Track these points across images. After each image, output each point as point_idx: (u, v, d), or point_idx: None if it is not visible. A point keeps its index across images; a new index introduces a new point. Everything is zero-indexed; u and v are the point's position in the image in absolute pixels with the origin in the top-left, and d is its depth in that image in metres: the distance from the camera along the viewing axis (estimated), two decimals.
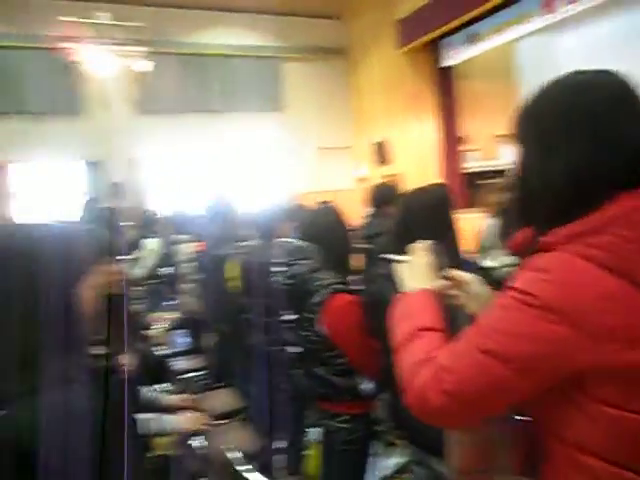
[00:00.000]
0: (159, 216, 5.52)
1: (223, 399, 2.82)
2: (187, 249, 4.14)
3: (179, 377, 2.65)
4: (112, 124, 7.99)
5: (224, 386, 3.39)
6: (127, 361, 1.63)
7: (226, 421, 2.51)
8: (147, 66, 7.59)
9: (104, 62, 7.36)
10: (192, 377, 3.24)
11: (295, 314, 2.05)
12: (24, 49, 7.64)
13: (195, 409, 1.90)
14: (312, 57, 9.51)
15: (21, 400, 1.04)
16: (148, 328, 2.64)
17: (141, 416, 1.51)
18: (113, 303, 1.41)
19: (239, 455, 1.66)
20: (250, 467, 1.82)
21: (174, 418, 1.72)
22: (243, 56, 8.95)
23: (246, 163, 9.13)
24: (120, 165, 8.10)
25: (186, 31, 8.55)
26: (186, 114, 8.52)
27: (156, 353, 2.35)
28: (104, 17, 7.24)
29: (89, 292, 1.19)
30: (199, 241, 3.88)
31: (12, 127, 7.56)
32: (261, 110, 9.08)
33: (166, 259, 5.11)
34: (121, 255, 1.74)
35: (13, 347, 1.06)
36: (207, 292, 4.04)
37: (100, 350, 1.51)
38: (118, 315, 1.56)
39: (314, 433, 2.00)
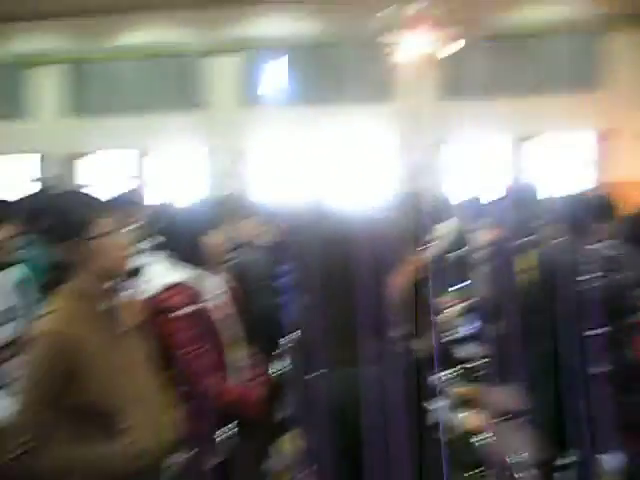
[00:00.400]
0: (451, 201, 5.57)
1: (506, 396, 2.74)
2: (482, 236, 4.08)
3: (463, 365, 2.66)
4: (417, 108, 8.32)
5: (506, 381, 3.29)
6: (422, 346, 1.72)
7: (508, 421, 2.44)
8: (455, 48, 7.63)
9: (417, 47, 7.66)
10: (475, 366, 3.22)
11: (603, 328, 1.85)
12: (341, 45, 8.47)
13: (479, 403, 1.90)
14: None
15: (338, 370, 1.20)
16: (438, 312, 2.72)
17: (433, 404, 1.58)
18: (416, 289, 1.49)
19: (519, 460, 1.60)
20: (529, 476, 1.73)
21: (461, 414, 1.76)
22: (555, 32, 8.21)
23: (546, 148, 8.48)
24: (423, 149, 8.41)
25: (498, 10, 8.26)
26: (496, 98, 8.29)
27: (445, 339, 2.41)
28: (415, 5, 7.52)
29: (399, 279, 1.28)
30: (495, 228, 3.78)
31: (329, 114, 8.55)
32: (575, 89, 8.24)
33: (457, 244, 5.16)
34: (426, 242, 1.82)
35: (333, 322, 1.22)
36: (496, 282, 3.94)
37: (401, 334, 1.63)
38: (418, 301, 1.65)
39: (612, 460, 1.79)
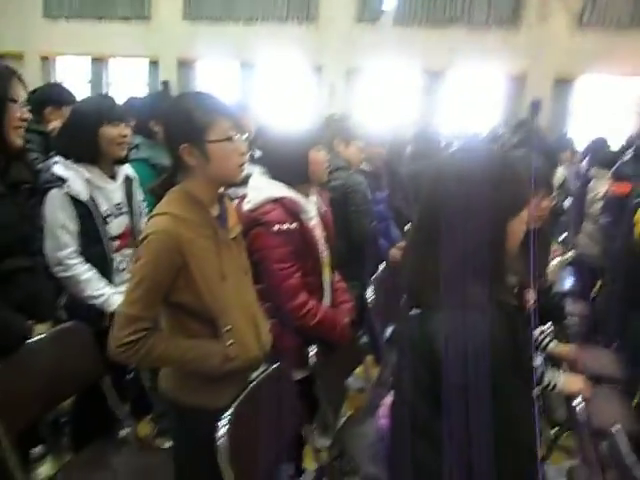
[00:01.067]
0: (571, 143, 5.14)
1: (603, 360, 2.59)
2: (601, 186, 3.75)
3: (563, 321, 2.52)
4: (547, 36, 7.57)
5: (602, 343, 3.11)
6: (531, 297, 1.61)
7: (605, 387, 2.31)
8: None
9: None
10: (572, 323, 3.06)
11: None
12: None
13: (576, 364, 1.79)
14: None
15: (433, 309, 1.14)
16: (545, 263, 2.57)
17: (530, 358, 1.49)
18: (534, 236, 1.37)
19: (618, 430, 1.50)
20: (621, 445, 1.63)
21: (560, 376, 1.67)
22: None
23: None
24: (543, 81, 7.74)
25: None
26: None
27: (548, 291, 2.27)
28: None
29: (519, 224, 1.17)
30: (621, 180, 3.44)
31: (451, 36, 8.01)
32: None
33: (571, 192, 4.81)
34: (550, 187, 1.67)
35: (431, 260, 1.15)
36: (609, 238, 3.65)
37: (511, 282, 1.53)
38: (534, 249, 1.53)
39: None
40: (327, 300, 2.04)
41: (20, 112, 1.57)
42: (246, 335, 1.50)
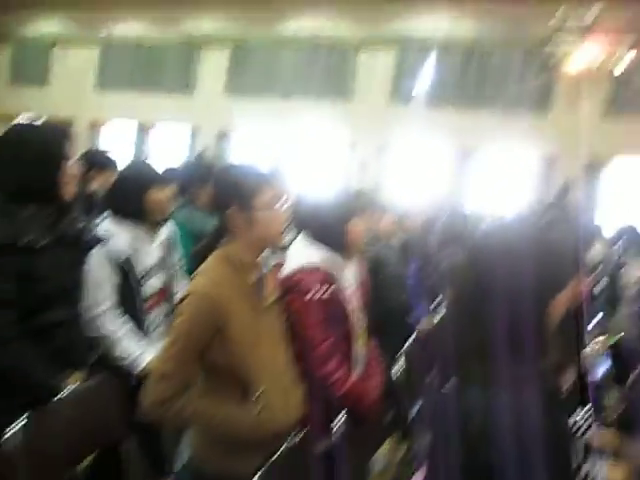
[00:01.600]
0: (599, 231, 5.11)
1: None
2: (636, 271, 3.69)
3: (603, 408, 2.41)
4: (577, 121, 7.71)
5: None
6: (567, 382, 1.57)
7: None
8: (627, 61, 6.99)
9: (585, 57, 7.13)
10: (616, 412, 2.91)
11: None
12: (506, 48, 8.10)
13: (620, 454, 1.70)
14: None
15: (473, 385, 1.11)
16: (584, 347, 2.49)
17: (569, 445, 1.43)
18: (572, 318, 1.36)
19: None
20: None
21: (600, 461, 1.58)
22: None
23: None
24: (571, 166, 7.81)
25: None
26: None
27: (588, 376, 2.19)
28: (591, 14, 6.97)
29: (560, 305, 1.16)
30: None
31: (482, 118, 8.23)
32: None
33: (607, 273, 4.72)
34: (587, 266, 1.66)
35: (476, 338, 1.13)
36: None
37: (546, 363, 1.49)
38: (570, 332, 1.50)
39: None
40: (358, 371, 2.01)
41: (71, 169, 1.67)
42: (276, 402, 1.49)
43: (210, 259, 1.49)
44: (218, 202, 1.50)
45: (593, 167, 7.82)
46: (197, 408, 1.40)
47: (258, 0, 9.14)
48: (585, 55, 7.13)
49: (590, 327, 3.99)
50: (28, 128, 1.68)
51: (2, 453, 1.45)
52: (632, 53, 6.90)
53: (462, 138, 8.27)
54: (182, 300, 1.42)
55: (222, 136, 9.82)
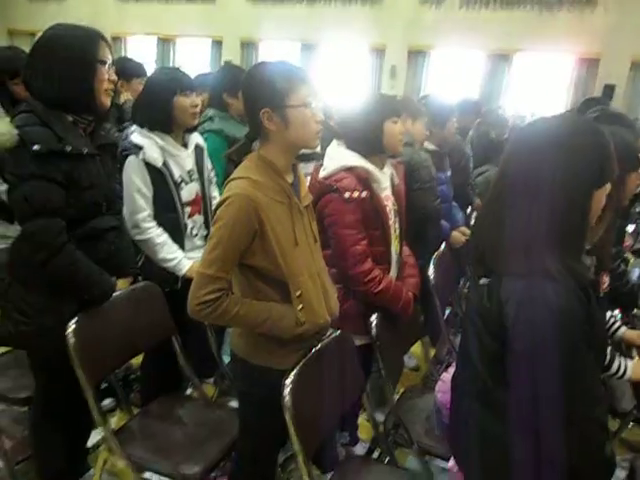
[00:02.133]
0: None
1: None
2: None
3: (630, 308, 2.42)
4: (624, 17, 7.17)
5: None
6: (606, 280, 1.57)
7: None
8: None
9: None
10: None
11: None
12: None
13: None
14: None
15: (505, 278, 1.12)
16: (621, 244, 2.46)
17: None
18: (617, 212, 1.33)
19: None
20: None
21: (629, 363, 1.61)
22: None
23: None
24: (619, 65, 7.35)
25: None
26: None
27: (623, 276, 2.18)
28: None
29: (602, 196, 1.14)
30: None
31: (518, 16, 7.72)
32: None
33: None
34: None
35: (513, 230, 1.13)
36: None
37: (588, 260, 1.49)
38: (610, 226, 1.48)
39: None
40: (394, 272, 2.04)
41: (108, 74, 1.63)
42: (315, 301, 1.53)
43: (245, 162, 1.48)
44: (250, 103, 1.46)
45: (638, 66, 7.35)
46: (242, 308, 1.45)
47: None
48: None
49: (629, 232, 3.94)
50: (63, 30, 1.62)
51: (65, 347, 1.56)
52: None
53: (500, 39, 7.81)
54: (220, 204, 1.43)
55: (245, 47, 9.51)
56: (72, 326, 1.60)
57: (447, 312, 3.07)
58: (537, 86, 7.99)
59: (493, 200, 1.20)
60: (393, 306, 1.97)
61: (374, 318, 1.91)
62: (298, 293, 1.48)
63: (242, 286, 1.51)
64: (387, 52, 8.57)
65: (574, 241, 1.12)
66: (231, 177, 1.47)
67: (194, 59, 10.12)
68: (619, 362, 1.63)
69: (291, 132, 1.43)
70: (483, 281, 1.18)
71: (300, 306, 1.48)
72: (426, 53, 8.41)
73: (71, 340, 1.58)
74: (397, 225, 2.02)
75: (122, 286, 1.84)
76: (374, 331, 1.91)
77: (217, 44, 9.72)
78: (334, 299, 1.65)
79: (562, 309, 1.04)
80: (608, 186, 1.13)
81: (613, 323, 1.87)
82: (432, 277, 2.43)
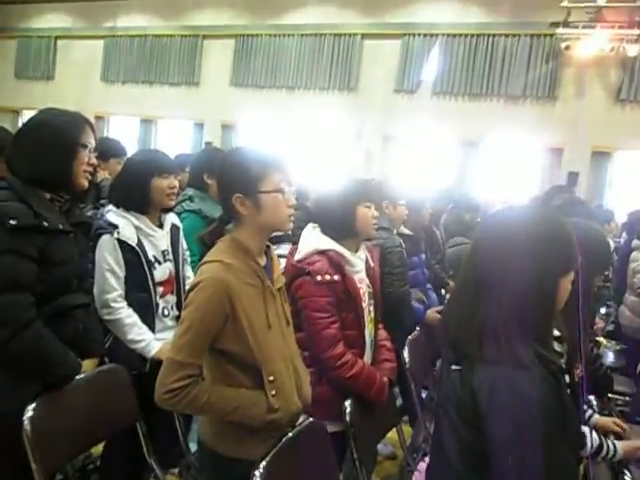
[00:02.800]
0: (613, 215, 5.08)
1: None
2: None
3: (609, 395, 2.42)
4: (584, 110, 7.68)
5: None
6: (579, 366, 1.57)
7: None
8: (636, 51, 6.97)
9: (591, 46, 7.09)
10: (620, 399, 2.93)
11: None
12: (513, 36, 8.04)
13: (623, 436, 1.71)
14: None
15: (477, 364, 1.12)
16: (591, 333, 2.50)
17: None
18: (577, 302, 1.36)
19: None
20: None
21: (617, 443, 1.60)
22: None
23: None
24: (580, 154, 7.78)
25: None
26: None
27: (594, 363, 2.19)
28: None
29: (566, 284, 1.17)
30: None
31: (487, 107, 8.20)
32: None
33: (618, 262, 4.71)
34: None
35: (482, 318, 1.14)
36: None
37: (559, 348, 1.50)
38: (578, 315, 1.50)
39: None
40: (368, 356, 2.02)
41: (89, 157, 1.67)
42: (288, 386, 1.49)
43: (218, 245, 1.49)
44: (223, 187, 1.49)
45: (600, 156, 7.78)
46: (212, 396, 1.40)
47: None
48: (593, 42, 7.07)
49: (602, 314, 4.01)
50: (48, 114, 1.68)
51: (20, 434, 1.48)
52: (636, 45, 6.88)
53: (468, 127, 8.24)
54: (192, 288, 1.42)
55: (228, 128, 9.83)
56: (29, 412, 1.52)
57: (424, 395, 3.02)
58: (507, 172, 8.35)
59: (463, 286, 1.23)
60: (366, 392, 1.93)
61: (348, 404, 1.87)
62: (271, 378, 1.45)
63: (213, 371, 1.47)
64: (363, 136, 8.93)
65: (542, 328, 1.14)
66: (203, 260, 1.47)
67: (176, 139, 10.39)
68: (607, 444, 1.62)
69: (264, 217, 1.45)
70: (455, 367, 1.18)
71: (273, 392, 1.44)
72: (399, 138, 8.79)
73: (27, 428, 1.50)
74: (372, 308, 2.03)
75: (88, 368, 1.78)
76: (348, 417, 1.86)
77: (199, 126, 10.02)
78: (307, 384, 1.61)
79: (533, 397, 1.04)
80: (572, 274, 1.17)
81: (585, 411, 1.85)
82: (407, 360, 2.40)
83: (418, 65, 8.51)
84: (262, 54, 9.47)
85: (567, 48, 7.25)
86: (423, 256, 3.22)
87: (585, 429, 1.61)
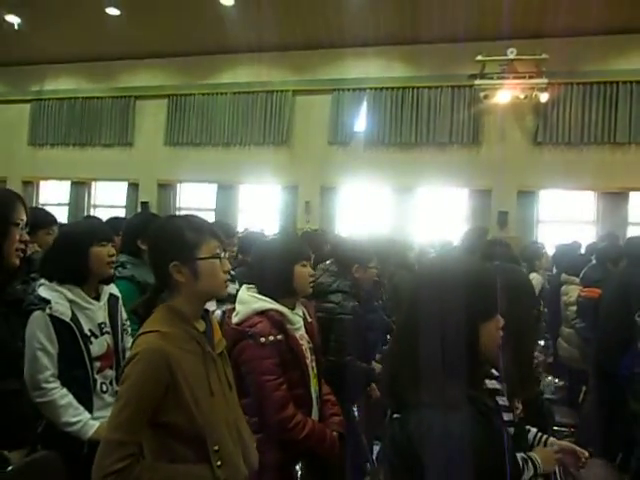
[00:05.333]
0: (543, 250, 5.34)
1: (598, 471, 2.51)
2: (574, 291, 3.87)
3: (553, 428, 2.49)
4: (506, 155, 8.17)
5: (596, 454, 3.04)
6: (518, 405, 1.62)
7: None
8: (547, 97, 7.57)
9: (507, 95, 7.63)
10: (558, 432, 3.00)
11: None
12: (435, 87, 8.55)
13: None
14: None
15: (413, 410, 1.15)
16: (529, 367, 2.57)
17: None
18: (513, 340, 1.41)
19: None
20: None
21: (535, 456, 1.62)
22: None
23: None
24: (508, 195, 8.21)
25: (592, 59, 8.02)
26: (587, 145, 8.02)
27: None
28: (511, 52, 7.52)
29: (494, 327, 1.22)
30: (590, 286, 3.57)
31: (418, 156, 8.59)
32: None
33: (545, 297, 4.93)
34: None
35: (414, 366, 1.18)
36: (586, 342, 3.71)
37: (495, 386, 1.54)
38: (518, 354, 1.57)
39: None
40: (315, 413, 2.00)
41: (20, 235, 1.62)
42: (234, 455, 1.45)
43: (154, 315, 1.46)
44: (158, 256, 1.48)
45: (526, 195, 8.24)
46: (154, 475, 1.33)
47: (192, 51, 9.26)
48: (508, 91, 7.61)
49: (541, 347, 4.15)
50: None
51: None
52: (546, 93, 7.50)
53: (401, 175, 8.56)
54: (128, 361, 1.38)
55: (164, 188, 9.76)
56: None
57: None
58: (440, 215, 8.69)
59: (399, 335, 1.27)
60: (319, 449, 1.91)
61: (298, 467, 1.83)
62: (216, 448, 1.40)
63: (153, 447, 1.41)
64: (300, 189, 9.08)
65: (471, 371, 1.18)
66: (139, 332, 1.43)
67: (109, 201, 10.20)
68: (524, 461, 1.60)
69: (201, 284, 1.44)
70: (395, 416, 1.21)
71: (218, 462, 1.39)
72: (337, 190, 9.00)
73: None
74: (314, 364, 2.02)
75: (16, 458, 1.66)
76: None
77: (134, 186, 9.90)
78: (253, 449, 1.57)
79: (465, 437, 1.07)
80: (499, 318, 1.23)
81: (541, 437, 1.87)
82: (356, 414, 2.40)
83: (349, 118, 8.85)
84: (196, 112, 9.57)
85: (486, 97, 7.74)
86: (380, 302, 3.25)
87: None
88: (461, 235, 4.01)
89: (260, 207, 9.48)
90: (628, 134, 7.87)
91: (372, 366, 2.88)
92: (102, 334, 2.07)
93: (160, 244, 1.49)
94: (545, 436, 1.88)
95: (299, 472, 1.83)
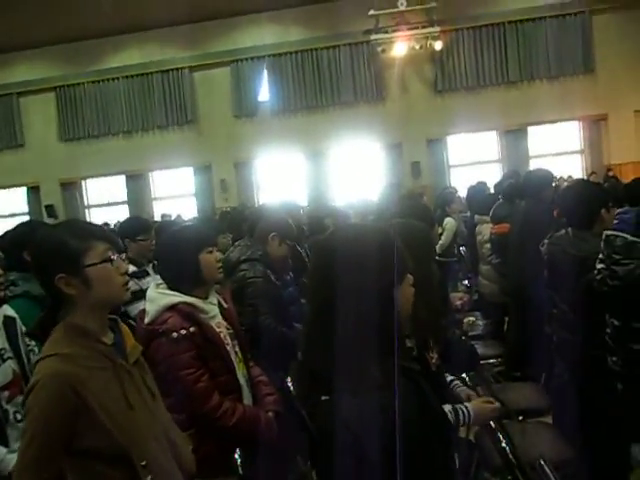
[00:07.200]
0: (456, 194, 5.52)
1: (525, 393, 2.67)
2: (486, 230, 4.02)
3: (481, 364, 2.60)
4: (410, 106, 8.31)
5: (524, 378, 3.24)
6: (434, 355, 1.65)
7: (528, 420, 2.37)
8: (441, 45, 7.72)
9: (403, 47, 7.70)
10: (487, 364, 3.16)
11: (618, 321, 1.79)
12: (333, 47, 8.50)
13: (489, 401, 1.81)
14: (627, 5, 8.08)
15: (341, 393, 1.13)
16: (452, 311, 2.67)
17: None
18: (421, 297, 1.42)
19: (542, 462, 1.52)
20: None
21: (468, 406, 1.67)
22: (541, 18, 8.17)
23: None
24: (417, 145, 8.40)
25: (479, 3, 8.23)
26: (484, 88, 8.27)
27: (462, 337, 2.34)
28: (401, 4, 7.56)
29: (406, 288, 1.21)
30: (499, 223, 3.72)
31: (326, 118, 8.56)
32: (571, 74, 8.19)
33: (462, 238, 5.11)
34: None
35: (333, 341, 1.15)
36: (503, 276, 3.89)
37: (411, 344, 1.56)
38: (430, 305, 1.59)
39: None
40: (247, 397, 1.96)
41: None
42: (166, 465, 1.38)
43: (52, 336, 1.33)
44: (41, 271, 1.35)
45: (435, 144, 8.46)
46: None
47: (73, 37, 8.61)
48: (403, 42, 7.68)
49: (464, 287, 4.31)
50: None
51: None
52: (440, 41, 7.63)
53: (311, 139, 8.52)
54: (29, 392, 1.26)
55: (68, 187, 9.21)
56: None
57: None
58: (354, 174, 8.78)
59: (312, 318, 1.22)
60: (255, 432, 1.88)
61: (237, 455, 1.79)
62: (143, 463, 1.32)
63: (77, 476, 1.31)
64: (213, 168, 8.86)
65: (393, 341, 1.16)
66: (38, 357, 1.31)
67: (9, 209, 9.51)
68: (461, 410, 1.65)
69: (96, 292, 1.32)
70: (324, 397, 1.17)
71: (149, 477, 1.32)
72: (251, 164, 8.85)
73: None
74: (237, 349, 1.97)
75: None
76: (240, 469, 1.78)
77: (34, 190, 9.26)
78: (188, 453, 1.51)
79: (389, 412, 1.06)
80: (409, 278, 1.21)
81: (453, 388, 1.93)
82: (292, 387, 2.37)
83: (252, 88, 8.65)
84: (88, 103, 9.02)
85: (383, 51, 7.79)
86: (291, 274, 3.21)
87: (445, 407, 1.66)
88: (377, 193, 4.05)
89: (175, 192, 9.18)
90: (519, 72, 8.21)
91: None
92: (4, 361, 1.91)
93: (41, 259, 1.36)
94: (457, 389, 1.92)
95: (239, 460, 1.80)
